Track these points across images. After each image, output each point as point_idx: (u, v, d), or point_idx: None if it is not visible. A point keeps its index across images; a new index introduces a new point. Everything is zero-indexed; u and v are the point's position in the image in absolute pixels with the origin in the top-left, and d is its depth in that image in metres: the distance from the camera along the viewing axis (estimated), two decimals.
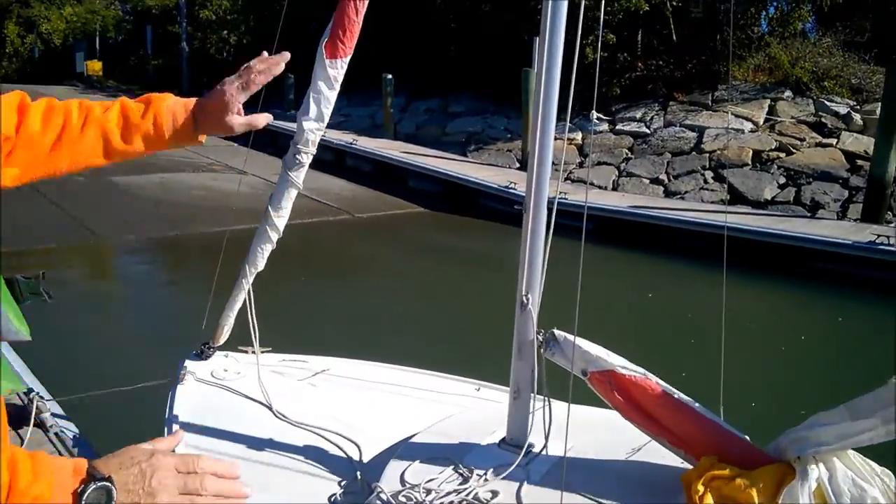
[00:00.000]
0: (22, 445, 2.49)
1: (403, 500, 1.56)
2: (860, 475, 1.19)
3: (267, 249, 2.15)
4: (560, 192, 7.87)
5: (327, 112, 1.99)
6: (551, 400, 1.67)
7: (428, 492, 1.57)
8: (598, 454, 1.69)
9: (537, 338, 1.67)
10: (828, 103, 10.37)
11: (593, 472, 1.61)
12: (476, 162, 12.04)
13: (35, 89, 20.27)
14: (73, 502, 0.81)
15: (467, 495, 1.56)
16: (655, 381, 1.56)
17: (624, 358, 1.61)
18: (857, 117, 9.95)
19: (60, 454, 2.56)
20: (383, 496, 1.57)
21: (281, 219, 2.12)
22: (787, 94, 10.90)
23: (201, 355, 2.31)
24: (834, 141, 9.68)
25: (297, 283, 6.45)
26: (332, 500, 1.71)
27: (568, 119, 1.48)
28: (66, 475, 0.82)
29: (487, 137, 12.88)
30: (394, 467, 1.69)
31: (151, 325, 5.44)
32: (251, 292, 2.18)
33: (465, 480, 1.62)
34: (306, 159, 2.05)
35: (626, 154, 10.90)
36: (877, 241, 6.68)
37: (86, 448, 2.62)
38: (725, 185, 9.43)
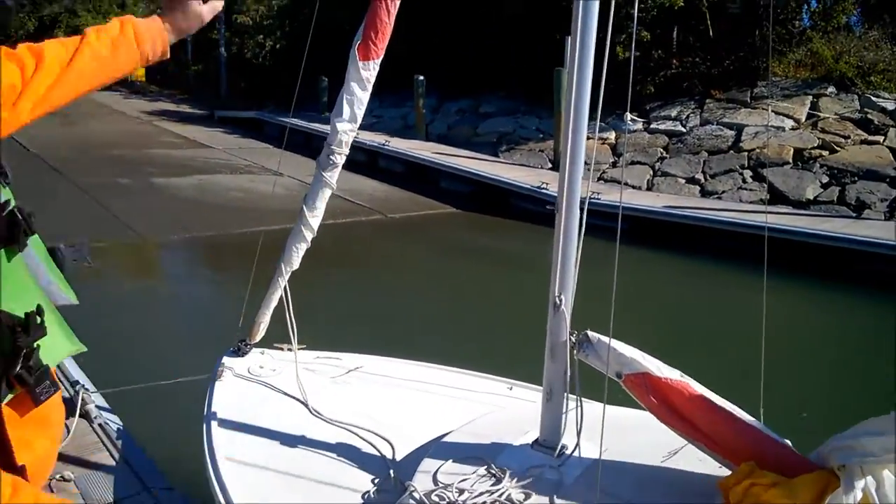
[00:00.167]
0: (68, 436, 2.58)
1: (436, 499, 1.56)
2: None
3: (302, 248, 2.19)
4: (593, 193, 7.81)
5: (360, 113, 2.01)
6: (585, 401, 1.66)
7: (461, 492, 1.58)
8: (633, 457, 1.67)
9: (570, 339, 1.66)
10: (874, 99, 10.05)
11: (628, 475, 1.59)
12: (507, 162, 11.99)
13: (84, 95, 20.88)
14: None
15: (500, 496, 1.56)
16: (692, 384, 1.53)
17: (659, 360, 1.59)
18: None
19: (104, 444, 2.64)
20: (416, 495, 1.58)
21: (315, 218, 2.15)
22: (831, 89, 10.60)
23: (238, 352, 2.36)
24: (881, 138, 9.38)
25: (331, 282, 6.51)
26: (366, 497, 1.72)
27: (598, 118, 1.47)
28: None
29: (519, 137, 12.82)
30: (426, 466, 1.70)
31: (191, 321, 5.56)
32: (288, 290, 2.21)
33: (498, 481, 1.62)
34: (339, 160, 2.08)
35: (661, 153, 10.73)
36: None
37: (129, 440, 2.69)
38: (765, 185, 9.21)
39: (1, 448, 0.93)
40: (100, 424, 2.76)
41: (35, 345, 0.91)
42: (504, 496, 1.56)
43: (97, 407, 2.83)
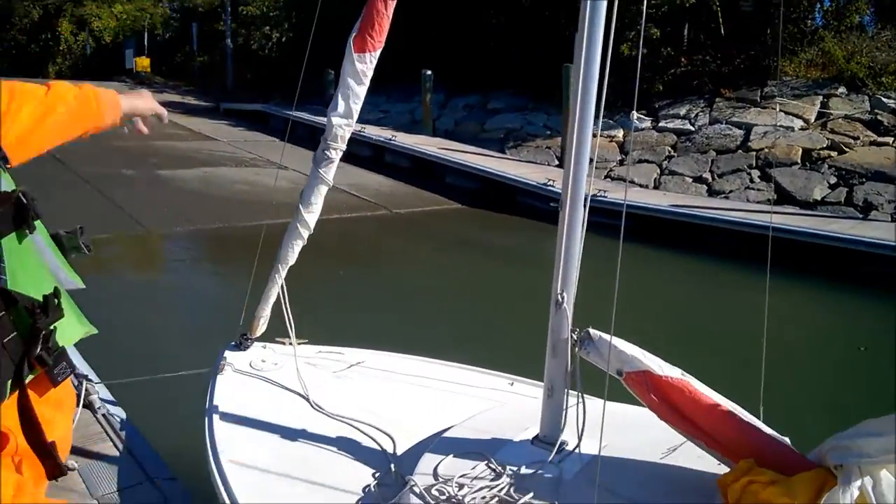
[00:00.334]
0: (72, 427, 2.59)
1: (436, 493, 1.57)
2: None
3: (298, 245, 2.18)
4: (599, 190, 7.77)
5: (356, 107, 1.98)
6: (585, 398, 1.66)
7: (461, 486, 1.58)
8: (633, 454, 1.67)
9: (572, 336, 1.66)
10: (885, 100, 9.99)
11: (627, 471, 1.59)
12: (514, 159, 11.97)
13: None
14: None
15: (500, 491, 1.56)
16: (693, 383, 1.53)
17: (660, 359, 1.59)
18: None
19: (108, 435, 2.66)
20: (416, 489, 1.58)
21: (311, 215, 2.14)
22: (841, 90, 10.53)
23: (240, 346, 2.36)
24: (890, 139, 9.32)
25: (335, 277, 6.52)
26: (366, 491, 1.73)
27: (601, 115, 1.47)
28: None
29: (526, 134, 12.79)
30: (427, 461, 1.71)
31: (194, 313, 5.58)
32: (284, 286, 2.22)
33: (498, 476, 1.62)
34: (335, 155, 2.05)
35: (669, 152, 10.70)
36: None
37: (132, 431, 2.71)
38: (772, 185, 9.17)
39: (31, 427, 0.95)
40: (103, 415, 2.78)
41: (52, 327, 0.92)
42: (504, 491, 1.56)
43: (101, 398, 2.84)
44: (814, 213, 8.36)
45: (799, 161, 9.39)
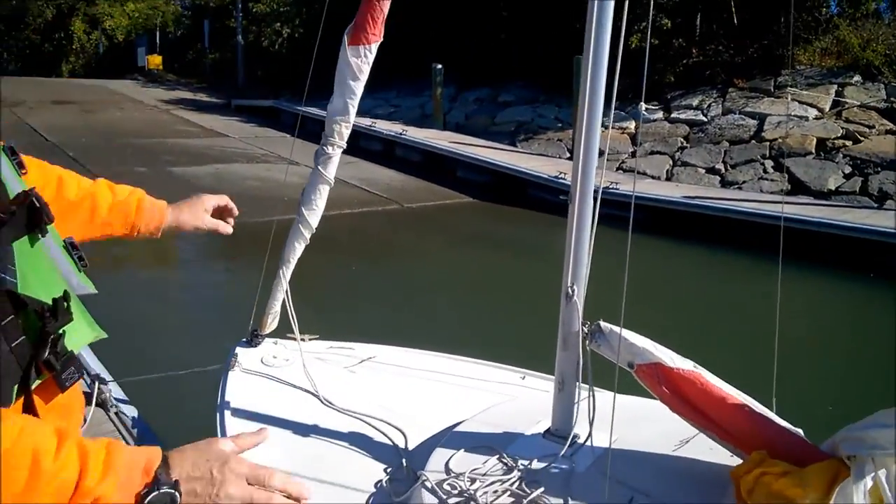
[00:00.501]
0: (85, 425, 2.61)
1: (448, 488, 1.57)
2: None
3: (301, 245, 2.17)
4: (611, 182, 7.74)
5: (352, 102, 1.94)
6: (597, 391, 1.65)
7: (472, 480, 1.58)
8: (645, 446, 1.66)
9: (582, 329, 1.65)
10: None
11: (639, 463, 1.59)
12: (525, 152, 11.94)
13: (102, 84, 21.08)
14: (135, 503, 0.80)
15: (511, 485, 1.56)
16: (705, 374, 1.52)
17: (672, 351, 1.58)
18: None
19: (121, 434, 2.67)
20: (428, 484, 1.58)
21: (314, 215, 2.12)
22: (857, 78, 10.40)
23: (251, 342, 2.37)
24: None
25: (347, 272, 6.54)
26: (378, 486, 1.73)
27: (612, 107, 1.45)
28: (135, 474, 0.82)
29: (537, 127, 12.75)
30: (439, 455, 1.71)
31: (207, 311, 5.62)
32: (288, 286, 2.22)
33: (510, 470, 1.62)
34: (334, 151, 2.03)
35: (682, 143, 10.62)
36: None
37: (144, 429, 2.73)
38: (786, 175, 9.09)
39: None
40: (115, 413, 2.79)
41: (61, 331, 0.91)
42: (516, 486, 1.56)
43: (113, 396, 2.86)
44: (828, 202, 8.28)
45: (813, 151, 9.29)
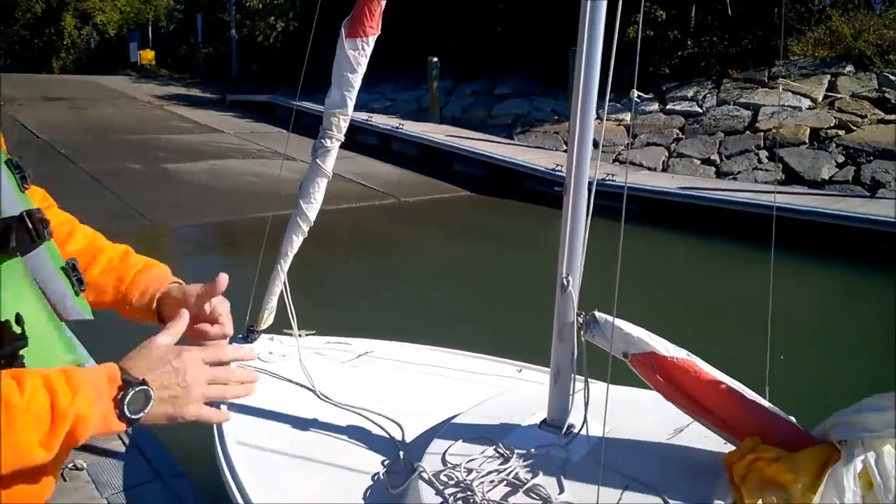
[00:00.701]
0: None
1: (445, 479, 1.58)
2: None
3: (299, 239, 2.18)
4: (607, 174, 7.72)
5: (350, 95, 1.95)
6: (592, 382, 1.67)
7: (469, 471, 1.59)
8: (640, 435, 1.68)
9: (577, 320, 1.67)
10: (892, 78, 9.87)
11: (634, 452, 1.61)
12: (522, 145, 11.93)
13: (93, 80, 20.95)
14: (115, 409, 0.82)
15: (508, 475, 1.57)
16: (698, 363, 1.54)
17: (666, 340, 1.59)
18: None
19: (118, 435, 2.66)
20: (425, 475, 1.59)
21: (312, 207, 2.13)
22: (849, 68, 10.41)
23: (247, 338, 2.38)
24: None
25: (344, 267, 6.54)
26: (375, 478, 1.75)
27: (607, 98, 1.46)
28: (102, 385, 0.83)
29: (534, 120, 12.74)
30: (436, 447, 1.72)
31: None
32: (286, 281, 2.22)
33: (506, 460, 1.64)
34: (332, 144, 2.04)
35: (677, 134, 10.63)
36: None
37: (140, 427, 2.73)
38: (780, 165, 9.11)
39: None
40: None
41: (20, 353, 0.84)
42: (512, 475, 1.57)
43: None
44: (820, 192, 8.31)
45: (807, 141, 9.31)
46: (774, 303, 1.80)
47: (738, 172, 9.36)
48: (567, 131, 11.44)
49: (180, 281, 1.18)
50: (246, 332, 2.38)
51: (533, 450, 1.65)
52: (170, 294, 1.15)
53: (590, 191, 1.65)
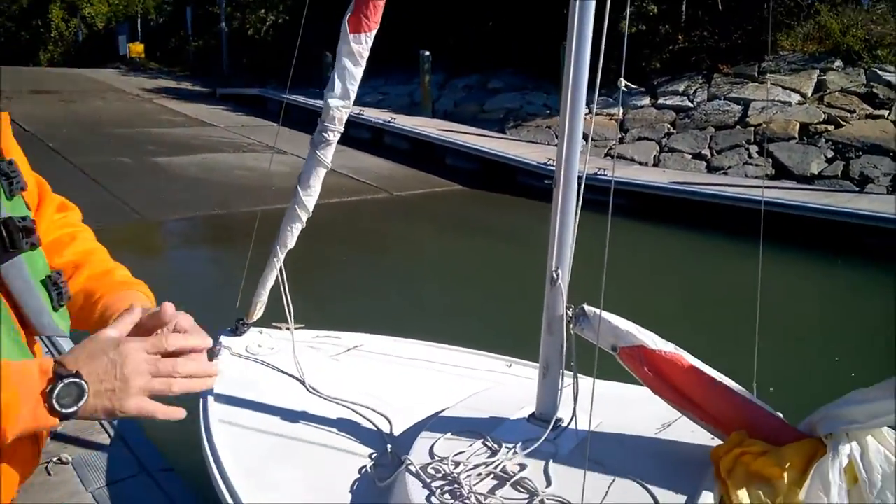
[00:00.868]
0: None
1: (432, 472, 1.58)
2: (893, 451, 1.16)
3: (297, 228, 2.18)
4: (598, 168, 7.71)
5: (353, 88, 1.97)
6: (581, 376, 1.67)
7: (456, 464, 1.59)
8: (627, 429, 1.68)
9: (567, 313, 1.67)
10: (880, 73, 9.93)
11: (621, 446, 1.61)
12: (514, 139, 11.93)
13: (82, 73, 20.76)
14: (44, 402, 0.78)
15: (495, 468, 1.57)
16: (686, 357, 1.54)
17: (655, 334, 1.60)
18: None
19: (102, 425, 2.64)
20: (412, 468, 1.59)
21: (310, 197, 2.14)
22: (838, 63, 10.47)
23: (236, 331, 2.37)
24: (886, 112, 9.28)
25: (335, 261, 6.53)
26: (363, 472, 1.74)
27: (597, 92, 1.46)
28: (32, 378, 0.79)
29: (526, 114, 12.74)
30: (423, 440, 1.72)
31: (191, 301, 5.53)
32: (283, 270, 2.21)
33: (494, 454, 1.64)
34: (333, 137, 2.05)
35: (668, 129, 10.65)
36: None
37: (126, 420, 2.71)
38: (769, 160, 9.15)
39: None
40: None
41: None
42: (499, 468, 1.57)
43: None
44: (810, 186, 8.36)
45: (796, 135, 9.36)
46: (763, 297, 1.81)
47: (729, 167, 9.40)
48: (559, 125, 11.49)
49: (151, 307, 1.08)
50: (235, 325, 2.38)
51: (521, 443, 1.65)
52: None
53: (579, 185, 1.65)
